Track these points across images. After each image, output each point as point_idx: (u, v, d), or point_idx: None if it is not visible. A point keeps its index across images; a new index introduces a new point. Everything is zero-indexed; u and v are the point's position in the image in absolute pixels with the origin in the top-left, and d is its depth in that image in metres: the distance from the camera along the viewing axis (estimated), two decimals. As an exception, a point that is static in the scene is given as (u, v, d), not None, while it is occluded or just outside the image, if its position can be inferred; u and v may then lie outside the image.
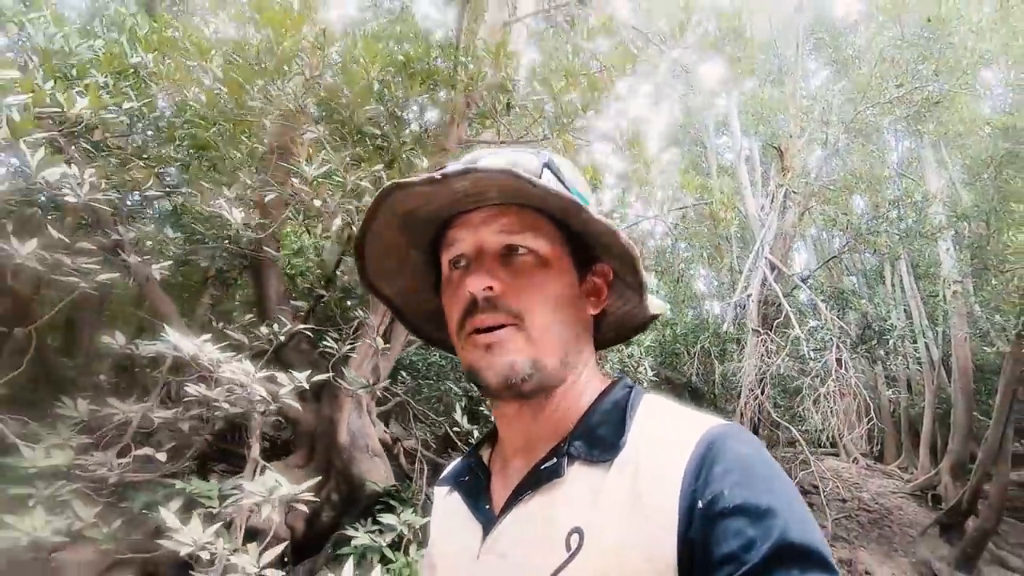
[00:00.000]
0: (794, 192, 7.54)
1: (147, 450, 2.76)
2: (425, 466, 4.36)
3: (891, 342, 6.43)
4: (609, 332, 0.76)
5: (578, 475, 0.59)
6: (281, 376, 2.89)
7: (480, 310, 0.60)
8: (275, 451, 4.34)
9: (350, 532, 3.42)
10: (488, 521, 0.64)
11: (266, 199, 2.79)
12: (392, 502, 3.68)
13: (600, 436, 0.61)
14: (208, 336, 2.71)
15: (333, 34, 2.98)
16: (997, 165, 7.63)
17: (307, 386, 2.86)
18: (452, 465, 0.79)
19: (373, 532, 3.31)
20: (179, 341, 2.63)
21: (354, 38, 3.12)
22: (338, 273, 4.22)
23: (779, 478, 0.53)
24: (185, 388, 2.83)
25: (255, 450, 3.35)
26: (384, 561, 3.14)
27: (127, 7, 3.75)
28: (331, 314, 4.13)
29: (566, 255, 0.64)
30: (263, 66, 2.79)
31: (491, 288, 0.60)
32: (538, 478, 0.61)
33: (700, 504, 0.51)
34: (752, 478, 0.51)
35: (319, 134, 2.88)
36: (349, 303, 4.12)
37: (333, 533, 3.96)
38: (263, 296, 4.37)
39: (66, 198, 2.33)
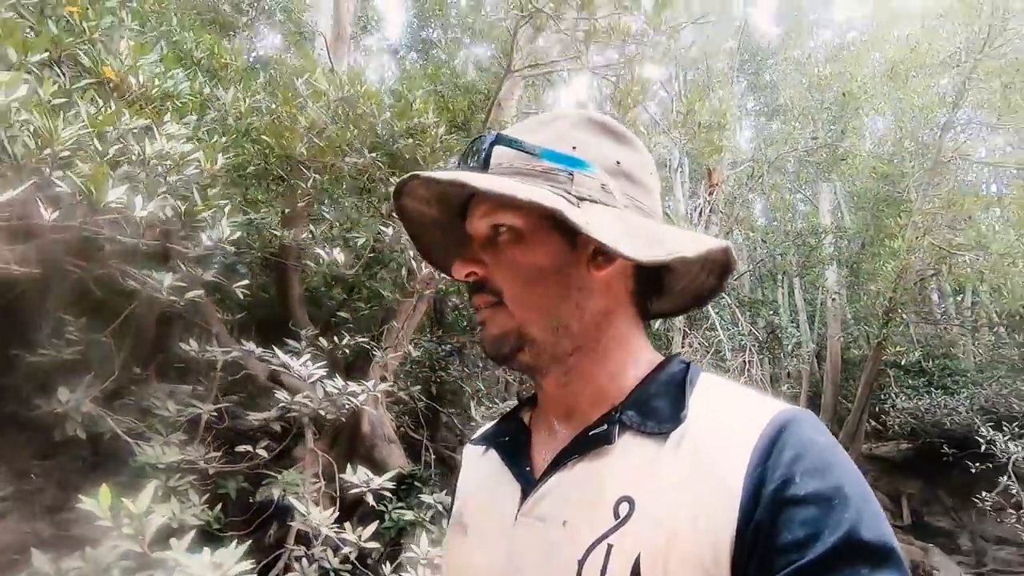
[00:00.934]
0: (722, 212, 8.78)
1: (247, 447, 3.27)
2: (432, 453, 5.07)
3: (789, 346, 7.97)
4: (682, 300, 0.74)
5: (630, 445, 0.58)
6: (353, 385, 3.48)
7: (473, 291, 0.65)
8: (296, 438, 4.84)
9: (382, 508, 4.11)
10: (528, 483, 0.64)
11: (358, 242, 3.32)
12: (416, 483, 4.39)
13: (655, 408, 0.60)
14: (302, 351, 3.25)
15: (415, 103, 3.51)
16: (875, 202, 9.32)
17: (378, 394, 3.49)
18: (488, 426, 0.79)
19: (409, 509, 4.01)
20: (285, 359, 3.16)
21: (424, 100, 3.65)
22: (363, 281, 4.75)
23: (851, 470, 0.52)
24: (275, 395, 3.34)
25: (310, 441, 3.92)
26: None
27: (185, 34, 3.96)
28: (353, 318, 4.66)
29: (547, 222, 0.61)
30: (360, 128, 3.31)
31: (474, 273, 0.63)
32: (586, 443, 0.60)
33: (768, 487, 0.49)
34: (824, 467, 0.50)
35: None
36: (372, 308, 4.68)
37: (355, 511, 4.60)
38: (287, 300, 4.80)
39: (205, 242, 2.75)
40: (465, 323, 6.17)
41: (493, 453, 0.71)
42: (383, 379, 4.93)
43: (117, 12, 3.19)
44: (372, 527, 3.11)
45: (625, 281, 0.65)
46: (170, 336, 3.74)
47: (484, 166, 0.63)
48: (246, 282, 3.58)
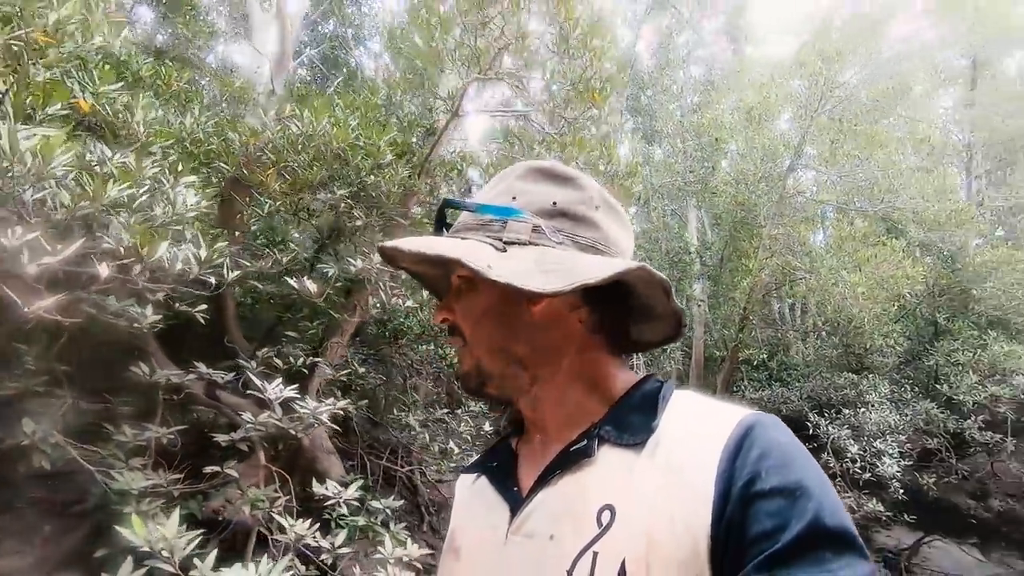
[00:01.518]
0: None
1: (216, 467, 3.38)
2: (366, 460, 5.34)
3: (667, 348, 9.20)
4: (646, 335, 0.77)
5: (609, 456, 0.62)
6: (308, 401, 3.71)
7: (450, 336, 0.74)
8: (233, 452, 4.87)
9: (328, 516, 4.35)
10: (516, 502, 0.68)
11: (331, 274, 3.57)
12: (360, 490, 4.66)
13: (631, 421, 0.64)
14: (253, 370, 3.43)
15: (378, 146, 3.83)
16: (733, 225, 10.90)
17: (342, 412, 3.75)
18: (480, 454, 0.84)
19: (357, 515, 4.30)
20: (258, 382, 3.33)
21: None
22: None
23: (812, 464, 0.56)
24: (241, 416, 3.47)
25: (262, 458, 4.06)
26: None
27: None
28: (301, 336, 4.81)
29: None
30: (331, 167, 3.57)
31: (445, 319, 0.73)
32: (568, 459, 0.64)
33: (737, 485, 0.54)
34: (787, 462, 0.54)
35: (366, 220, 3.77)
36: (318, 326, 4.86)
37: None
38: (223, 318, 4.80)
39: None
40: (387, 333, 6.44)
41: (484, 480, 0.76)
42: (333, 395, 5.13)
43: (75, 34, 3.17)
44: (342, 534, 3.41)
45: (577, 313, 0.69)
46: (116, 362, 3.67)
47: (440, 227, 0.73)
48: (204, 306, 3.67)
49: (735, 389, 12.51)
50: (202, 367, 3.74)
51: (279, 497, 3.70)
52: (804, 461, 0.55)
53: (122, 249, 2.08)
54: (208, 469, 3.43)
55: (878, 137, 8.31)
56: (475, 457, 0.85)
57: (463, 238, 0.68)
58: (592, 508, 0.59)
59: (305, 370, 4.07)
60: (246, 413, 3.52)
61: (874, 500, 8.19)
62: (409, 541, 3.99)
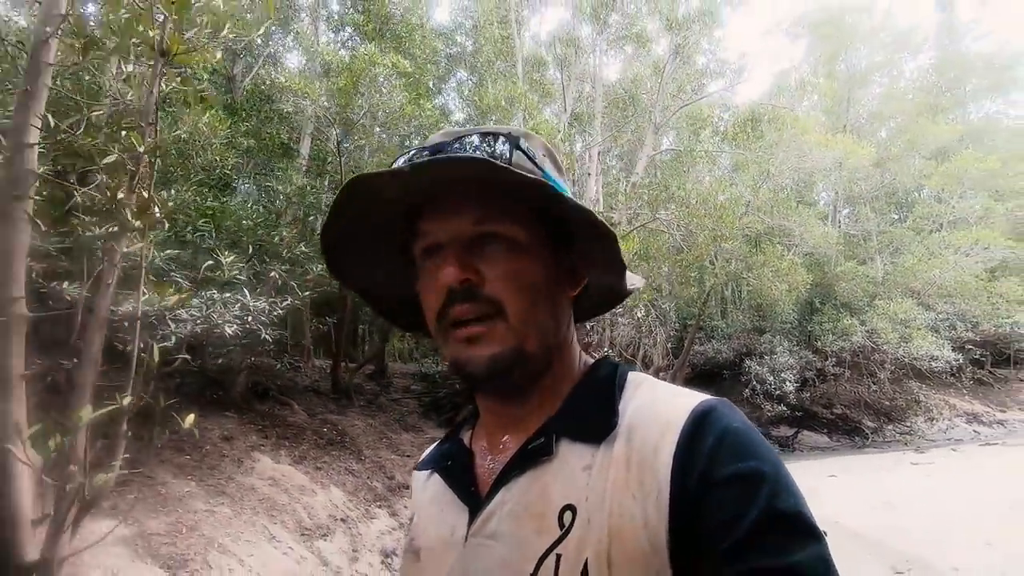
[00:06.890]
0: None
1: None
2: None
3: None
4: (588, 304, 0.75)
5: (568, 453, 0.61)
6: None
7: (458, 301, 0.61)
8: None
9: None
10: (475, 504, 0.65)
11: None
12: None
13: (589, 414, 0.63)
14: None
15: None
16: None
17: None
18: (431, 448, 0.82)
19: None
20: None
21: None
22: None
23: (766, 449, 0.56)
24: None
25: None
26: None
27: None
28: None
29: (542, 238, 0.64)
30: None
31: (468, 280, 0.61)
32: (526, 457, 0.63)
33: (693, 475, 0.53)
34: (741, 449, 0.54)
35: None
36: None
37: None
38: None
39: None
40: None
41: (437, 478, 0.74)
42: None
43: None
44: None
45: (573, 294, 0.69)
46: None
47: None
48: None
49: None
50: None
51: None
52: (758, 447, 0.56)
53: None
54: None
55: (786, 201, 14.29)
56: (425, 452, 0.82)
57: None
58: (553, 509, 0.59)
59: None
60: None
61: (781, 406, 14.56)
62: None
